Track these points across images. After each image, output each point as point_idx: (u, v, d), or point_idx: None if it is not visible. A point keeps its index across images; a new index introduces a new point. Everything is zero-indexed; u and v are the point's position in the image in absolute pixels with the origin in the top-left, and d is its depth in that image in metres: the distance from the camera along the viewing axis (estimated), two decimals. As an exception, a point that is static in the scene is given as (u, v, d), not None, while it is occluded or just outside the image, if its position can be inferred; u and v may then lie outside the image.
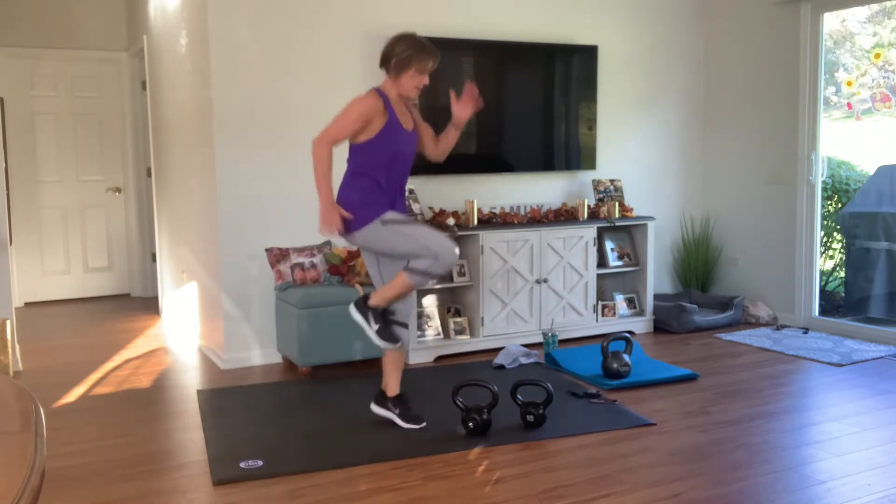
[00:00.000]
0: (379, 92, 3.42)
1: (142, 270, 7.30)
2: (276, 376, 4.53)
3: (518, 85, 5.34)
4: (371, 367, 4.67)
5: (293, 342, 4.50)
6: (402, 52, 3.38)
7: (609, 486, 2.95)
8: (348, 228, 3.42)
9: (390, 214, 3.42)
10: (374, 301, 3.47)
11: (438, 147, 3.69)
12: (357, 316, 3.50)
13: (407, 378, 4.36)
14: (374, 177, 3.42)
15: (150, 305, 6.79)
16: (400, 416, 3.62)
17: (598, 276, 5.46)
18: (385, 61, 3.44)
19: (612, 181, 5.72)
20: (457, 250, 3.39)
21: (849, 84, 5.80)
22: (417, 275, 3.37)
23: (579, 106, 5.55)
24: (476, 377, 4.14)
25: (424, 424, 3.60)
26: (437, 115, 5.10)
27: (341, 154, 3.66)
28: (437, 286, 4.89)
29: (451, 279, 4.95)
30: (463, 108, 3.55)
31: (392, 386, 3.66)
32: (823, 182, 5.55)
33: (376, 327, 3.45)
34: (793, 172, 5.58)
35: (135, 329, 5.87)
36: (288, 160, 4.78)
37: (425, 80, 3.44)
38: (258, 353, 4.80)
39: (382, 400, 3.68)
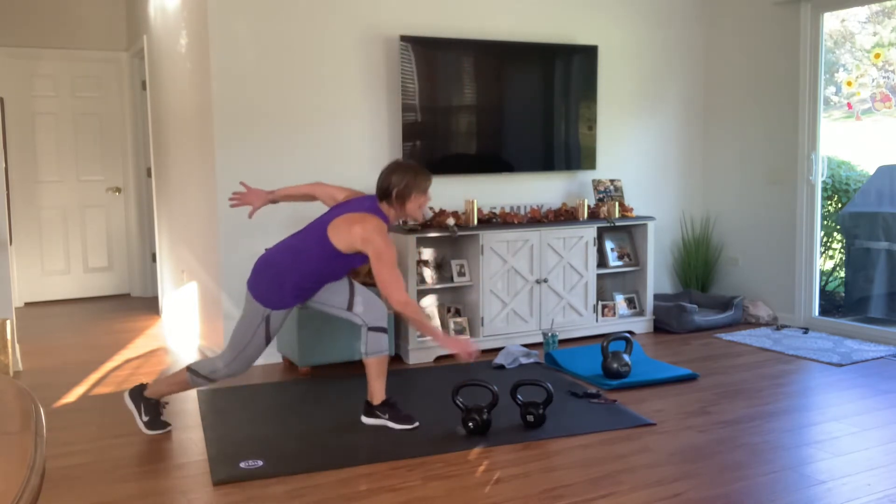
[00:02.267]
0: (384, 219, 3.53)
1: (142, 270, 7.31)
2: (276, 376, 4.53)
3: (518, 85, 5.34)
4: (371, 367, 4.67)
5: (293, 342, 4.50)
6: (399, 182, 3.50)
7: (609, 486, 2.95)
8: (264, 303, 3.46)
9: (277, 314, 3.48)
10: (149, 392, 3.57)
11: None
12: (129, 404, 3.60)
13: (407, 378, 4.36)
14: (320, 280, 3.52)
15: (150, 305, 6.79)
16: (391, 419, 3.62)
17: (598, 276, 5.46)
18: (386, 195, 3.53)
19: (612, 181, 5.72)
20: (244, 369, 3.52)
21: (849, 84, 5.80)
22: (199, 378, 3.51)
23: (579, 106, 5.55)
24: (476, 377, 4.13)
25: (417, 424, 3.60)
26: (436, 114, 5.10)
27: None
28: (438, 286, 4.90)
29: (451, 279, 4.95)
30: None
31: (377, 394, 3.65)
32: (823, 182, 5.55)
33: (146, 419, 3.56)
34: (793, 172, 5.58)
35: (135, 329, 5.87)
36: (288, 160, 4.78)
37: (429, 198, 3.61)
38: (258, 353, 4.80)
39: (370, 410, 3.67)
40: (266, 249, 4.68)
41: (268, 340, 3.51)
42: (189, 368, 3.50)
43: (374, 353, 3.60)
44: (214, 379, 3.52)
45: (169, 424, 3.60)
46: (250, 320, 3.47)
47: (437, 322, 4.95)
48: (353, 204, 3.55)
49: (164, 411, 3.63)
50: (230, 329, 4.71)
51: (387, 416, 3.63)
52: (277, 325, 3.50)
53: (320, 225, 3.50)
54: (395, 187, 3.50)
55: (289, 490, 2.96)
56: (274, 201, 3.82)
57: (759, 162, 5.83)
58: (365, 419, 3.69)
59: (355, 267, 3.58)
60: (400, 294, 3.39)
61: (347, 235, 3.42)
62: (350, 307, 3.60)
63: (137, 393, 3.59)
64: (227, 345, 3.51)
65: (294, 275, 3.46)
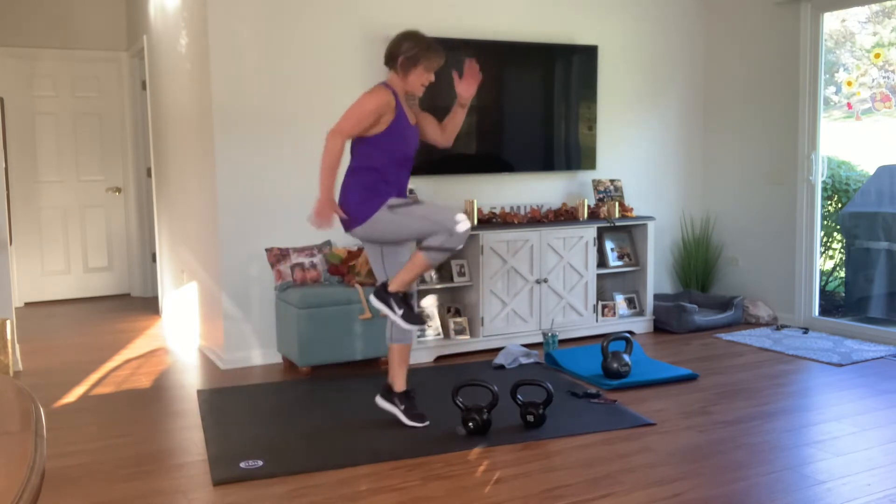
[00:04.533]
0: (388, 87, 3.45)
1: (142, 270, 7.31)
2: (276, 376, 4.53)
3: (518, 85, 5.34)
4: (371, 367, 4.67)
5: (293, 342, 4.50)
6: (409, 49, 3.42)
7: (609, 486, 2.95)
8: (355, 222, 3.43)
9: (394, 200, 3.44)
10: (394, 286, 3.47)
11: (446, 131, 3.73)
12: (379, 304, 3.49)
13: (407, 378, 4.35)
14: (380, 170, 3.44)
15: (150, 305, 6.79)
16: (405, 412, 3.62)
17: (598, 276, 5.46)
18: (391, 59, 3.47)
19: (612, 181, 5.72)
20: (467, 222, 3.39)
21: (849, 84, 5.80)
22: (434, 252, 3.38)
23: (579, 106, 5.55)
24: (476, 377, 4.13)
25: (428, 424, 3.61)
26: (436, 114, 5.09)
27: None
28: (437, 286, 4.90)
29: (451, 279, 4.95)
30: (467, 86, 3.61)
31: (399, 382, 3.65)
32: (823, 182, 5.55)
33: (401, 312, 3.46)
34: (793, 172, 5.58)
35: (135, 329, 5.87)
36: (288, 160, 4.78)
37: (432, 77, 3.50)
38: (258, 353, 4.80)
39: (389, 394, 3.67)
40: (267, 250, 4.68)
41: (416, 204, 3.42)
42: (422, 248, 3.39)
43: (399, 340, 3.59)
44: (449, 247, 3.37)
45: (424, 322, 3.52)
46: (400, 217, 3.37)
47: (436, 322, 4.95)
48: None
49: (414, 304, 3.54)
50: (230, 329, 4.71)
51: (402, 408, 3.62)
52: (401, 201, 3.41)
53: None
54: (403, 53, 3.43)
55: (289, 490, 2.96)
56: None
57: (759, 162, 5.83)
58: (380, 400, 3.68)
59: (388, 148, 3.44)
60: (343, 127, 3.32)
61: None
62: (388, 266, 3.58)
63: (382, 291, 3.48)
64: (429, 220, 3.36)
65: (354, 176, 3.43)
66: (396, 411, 3.63)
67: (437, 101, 5.09)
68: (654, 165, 6.04)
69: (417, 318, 3.48)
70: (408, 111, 3.54)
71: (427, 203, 3.43)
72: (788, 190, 5.62)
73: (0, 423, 1.66)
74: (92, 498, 2.91)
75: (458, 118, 3.70)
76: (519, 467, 3.15)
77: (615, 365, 4.27)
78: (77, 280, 7.15)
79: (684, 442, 3.41)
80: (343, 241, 4.94)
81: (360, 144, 3.45)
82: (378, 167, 3.44)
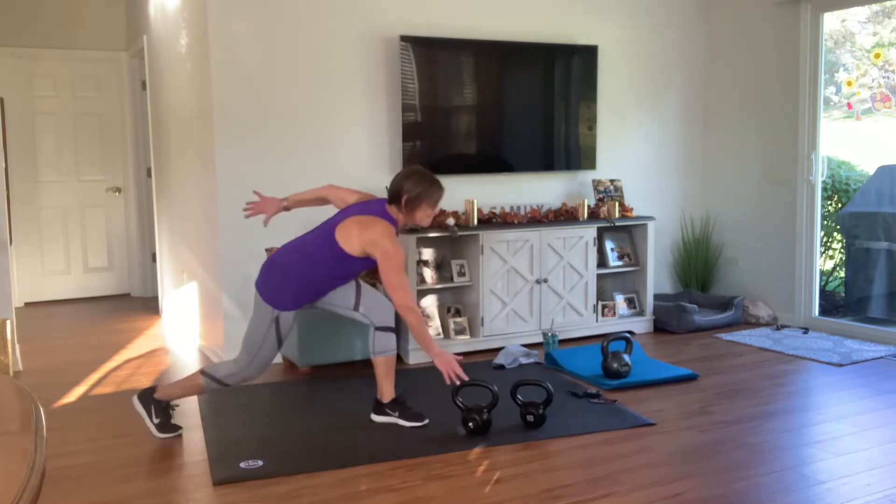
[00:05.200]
0: (392, 222, 3.52)
1: (142, 270, 7.31)
2: (276, 376, 4.53)
3: (518, 85, 5.34)
4: (371, 367, 4.67)
5: (293, 342, 4.50)
6: (411, 189, 3.51)
7: (609, 486, 2.95)
8: (272, 303, 3.45)
9: (286, 315, 3.47)
10: (160, 395, 3.53)
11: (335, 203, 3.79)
12: (139, 406, 3.55)
13: (407, 378, 4.36)
14: (328, 280, 3.50)
15: (150, 305, 6.79)
16: (401, 417, 3.64)
17: (598, 276, 5.46)
18: (396, 198, 3.54)
19: (612, 181, 5.72)
20: (260, 372, 3.51)
21: (849, 84, 5.80)
22: (214, 382, 3.47)
23: (579, 106, 5.55)
24: (476, 377, 4.13)
25: (427, 421, 3.61)
26: (437, 114, 5.10)
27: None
28: (438, 286, 4.90)
29: (451, 279, 4.95)
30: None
31: (386, 392, 3.67)
32: (823, 182, 5.55)
33: (157, 421, 3.51)
34: (793, 172, 5.58)
35: (135, 329, 5.87)
36: (288, 160, 4.78)
37: (436, 210, 3.66)
38: (258, 353, 4.80)
39: (380, 408, 3.69)
40: (267, 250, 4.68)
41: (280, 342, 3.49)
42: (203, 372, 3.48)
43: (382, 352, 3.60)
44: (229, 384, 3.49)
45: (180, 428, 3.57)
46: (260, 322, 3.46)
47: (436, 322, 4.95)
48: (362, 207, 3.55)
49: (174, 414, 3.61)
50: (230, 329, 4.72)
51: (397, 414, 3.64)
52: (288, 326, 3.50)
53: (329, 227, 3.50)
54: (406, 193, 3.50)
55: (289, 490, 2.96)
56: (287, 208, 3.79)
57: (759, 162, 5.83)
58: (375, 417, 3.70)
59: (364, 270, 3.57)
60: (406, 299, 3.40)
61: (357, 238, 3.42)
62: (357, 307, 3.60)
63: (147, 396, 3.55)
64: (241, 349, 3.51)
65: (302, 277, 3.46)
66: (394, 419, 3.65)
67: (438, 102, 5.10)
68: (654, 165, 6.04)
69: (172, 429, 3.53)
70: None
71: (264, 346, 3.46)
72: (788, 190, 5.62)
73: (0, 423, 1.66)
74: (92, 498, 2.91)
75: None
76: (519, 467, 3.15)
77: (615, 365, 4.27)
78: (77, 280, 7.15)
79: (684, 442, 3.41)
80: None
81: (343, 255, 3.46)
82: (331, 274, 3.50)
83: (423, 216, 3.57)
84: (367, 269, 3.60)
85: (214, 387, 3.49)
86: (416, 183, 3.51)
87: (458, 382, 3.43)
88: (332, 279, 3.52)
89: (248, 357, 3.47)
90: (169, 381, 4.45)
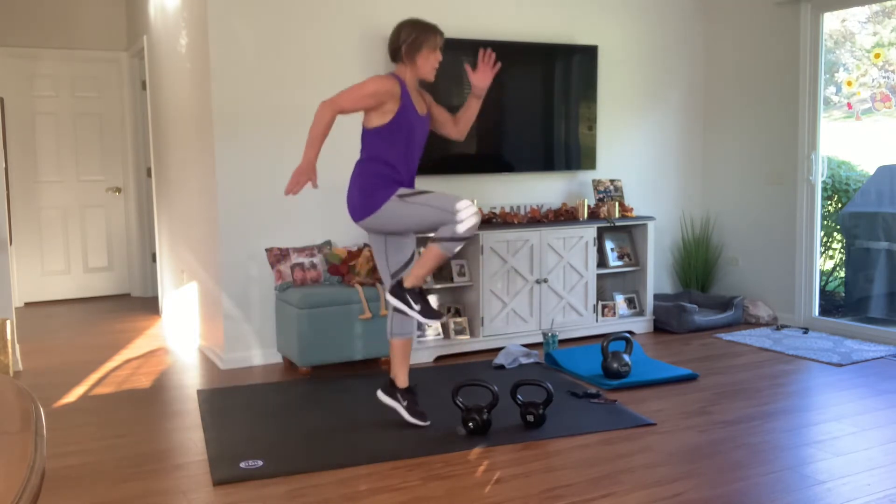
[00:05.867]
0: (396, 77, 3.44)
1: (142, 270, 7.31)
2: (276, 376, 4.53)
3: (518, 85, 5.34)
4: (371, 367, 4.67)
5: (293, 342, 4.50)
6: (408, 36, 3.42)
7: (609, 486, 2.95)
8: (364, 212, 3.41)
9: (403, 190, 3.42)
10: (409, 283, 3.44)
11: (459, 124, 3.70)
12: (396, 302, 3.44)
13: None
14: (390, 160, 3.43)
15: (150, 305, 6.79)
16: (407, 408, 3.61)
17: (598, 276, 5.46)
18: (395, 52, 3.47)
19: (612, 181, 5.72)
20: (472, 209, 3.34)
21: (849, 84, 5.80)
22: (448, 242, 3.35)
23: (579, 106, 5.55)
24: (476, 377, 4.14)
25: (429, 423, 3.60)
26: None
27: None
28: (437, 286, 4.90)
29: (451, 279, 4.95)
30: (482, 77, 3.56)
31: (402, 377, 3.64)
32: (823, 182, 5.55)
33: (419, 307, 3.42)
34: (793, 172, 5.58)
35: (135, 329, 5.87)
36: (288, 160, 4.78)
37: (439, 56, 3.49)
38: (258, 353, 4.80)
39: (391, 389, 3.65)
40: (267, 250, 4.68)
41: (429, 191, 3.39)
42: (433, 240, 3.37)
43: (399, 334, 3.59)
44: (459, 234, 3.32)
45: (443, 314, 3.47)
46: (410, 208, 3.36)
47: (437, 323, 4.94)
48: None
49: (430, 298, 3.54)
50: (230, 329, 4.72)
51: (404, 404, 3.61)
52: (410, 191, 3.40)
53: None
54: (404, 42, 3.43)
55: (289, 490, 2.96)
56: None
57: (759, 162, 5.83)
58: (381, 395, 3.66)
59: (411, 138, 3.45)
60: (338, 100, 3.26)
61: (359, 100, 3.35)
62: (409, 259, 3.60)
63: (398, 290, 3.44)
64: (436, 207, 3.34)
65: (364, 166, 3.43)
66: (398, 407, 3.62)
67: (437, 102, 5.09)
68: (654, 165, 6.04)
69: (436, 313, 3.45)
70: (418, 101, 3.52)
71: (436, 192, 3.41)
72: (788, 190, 5.62)
73: (0, 423, 1.66)
74: (92, 498, 2.91)
75: (472, 110, 3.67)
76: (519, 467, 3.15)
77: (615, 365, 4.27)
78: (77, 280, 7.15)
79: (684, 442, 3.41)
80: (343, 240, 4.94)
81: (368, 135, 3.44)
82: (386, 158, 3.42)
83: (426, 64, 3.45)
84: (391, 137, 3.43)
85: (452, 245, 3.35)
86: (411, 29, 3.44)
87: (292, 193, 3.27)
88: (383, 159, 3.40)
89: (440, 209, 3.33)
90: (168, 381, 4.45)
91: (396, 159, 3.44)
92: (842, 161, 6.04)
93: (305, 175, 3.28)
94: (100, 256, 7.22)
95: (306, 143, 3.30)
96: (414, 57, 3.43)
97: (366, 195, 3.41)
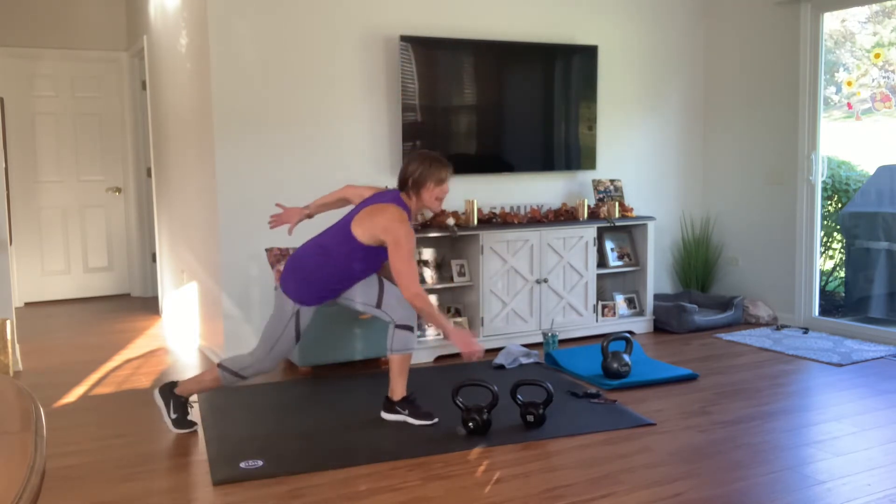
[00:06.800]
0: (405, 208, 3.52)
1: (142, 270, 7.31)
2: (276, 376, 4.53)
3: (518, 85, 5.34)
4: (371, 367, 4.67)
5: (293, 342, 4.49)
6: (415, 171, 3.51)
7: (609, 486, 2.95)
8: (290, 293, 3.49)
9: (307, 311, 3.52)
10: (179, 390, 3.57)
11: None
12: (159, 400, 3.59)
13: (408, 378, 4.35)
14: (354, 275, 3.53)
15: (150, 305, 6.79)
16: (411, 415, 3.65)
17: (598, 276, 5.46)
18: (403, 184, 3.55)
19: (612, 181, 5.72)
20: (265, 370, 3.54)
21: (849, 84, 5.80)
22: (230, 375, 3.51)
23: (579, 106, 5.55)
24: (476, 377, 4.13)
25: (437, 420, 3.63)
26: (436, 114, 5.10)
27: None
28: (438, 286, 4.90)
29: (451, 279, 4.95)
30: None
31: (398, 390, 3.68)
32: (823, 182, 5.55)
33: (174, 416, 3.56)
34: (793, 172, 5.58)
35: (135, 329, 5.87)
36: (288, 160, 4.78)
37: (446, 189, 3.59)
38: (258, 353, 4.80)
39: (390, 406, 3.70)
40: (267, 250, 4.68)
41: (298, 337, 3.53)
42: (220, 365, 3.51)
43: (399, 350, 3.62)
44: (245, 376, 3.53)
45: (195, 424, 3.60)
46: (281, 315, 3.50)
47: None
48: (377, 196, 3.58)
49: (191, 410, 3.64)
50: (230, 329, 4.72)
51: (407, 413, 3.66)
52: (307, 321, 3.54)
53: (346, 221, 3.52)
54: (410, 176, 3.51)
55: (289, 490, 2.96)
56: (310, 216, 3.82)
57: (759, 162, 5.83)
58: (385, 415, 3.71)
59: (384, 261, 3.56)
60: (413, 285, 3.38)
61: (370, 226, 3.43)
62: (379, 304, 3.61)
63: (168, 390, 3.59)
64: (259, 341, 3.54)
65: (324, 272, 3.48)
66: (403, 418, 3.67)
67: (438, 102, 5.10)
68: (654, 165, 6.04)
69: (187, 425, 3.57)
70: None
71: (276, 334, 3.50)
72: (788, 190, 5.62)
73: (0, 423, 1.66)
74: (92, 498, 2.91)
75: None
76: (519, 467, 3.15)
77: (615, 365, 4.27)
78: (77, 280, 7.15)
79: (684, 442, 3.41)
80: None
81: (360, 248, 3.47)
82: (352, 273, 3.52)
83: (430, 197, 3.54)
84: (377, 261, 3.60)
85: (231, 379, 3.52)
86: (419, 164, 3.52)
87: (475, 360, 3.43)
88: (353, 273, 3.52)
89: (265, 350, 3.50)
90: (167, 381, 4.45)
91: (359, 277, 3.55)
92: (842, 161, 6.04)
93: (469, 338, 3.40)
94: (100, 256, 7.22)
95: (437, 323, 3.45)
96: (419, 191, 3.53)
97: (302, 286, 3.48)
